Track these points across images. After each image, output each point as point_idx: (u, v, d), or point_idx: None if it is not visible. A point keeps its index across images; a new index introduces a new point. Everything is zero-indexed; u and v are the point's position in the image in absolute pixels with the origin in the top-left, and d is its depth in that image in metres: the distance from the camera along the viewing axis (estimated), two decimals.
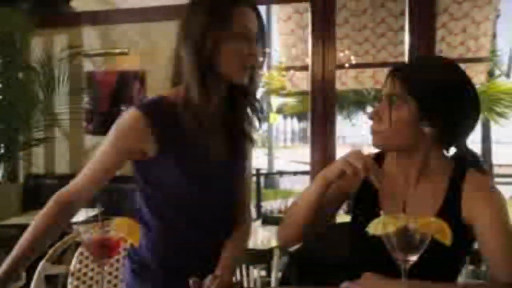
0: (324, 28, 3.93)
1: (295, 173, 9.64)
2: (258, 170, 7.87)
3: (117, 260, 1.47)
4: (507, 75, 4.71)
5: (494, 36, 5.75)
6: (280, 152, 16.78)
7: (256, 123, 1.37)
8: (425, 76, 1.15)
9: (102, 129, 4.14)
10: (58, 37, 4.23)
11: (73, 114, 4.06)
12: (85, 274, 1.48)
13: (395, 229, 0.78)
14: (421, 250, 0.82)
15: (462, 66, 5.49)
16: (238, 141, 1.34)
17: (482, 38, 5.29)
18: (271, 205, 8.40)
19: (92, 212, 3.70)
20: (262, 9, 4.10)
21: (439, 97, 1.12)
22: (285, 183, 9.48)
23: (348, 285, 1.00)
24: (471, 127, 1.20)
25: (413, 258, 0.82)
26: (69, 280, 1.47)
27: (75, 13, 4.22)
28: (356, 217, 1.24)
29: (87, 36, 4.17)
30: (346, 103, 7.98)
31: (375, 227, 0.80)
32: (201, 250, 1.27)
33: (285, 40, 5.65)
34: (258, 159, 6.84)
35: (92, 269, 1.48)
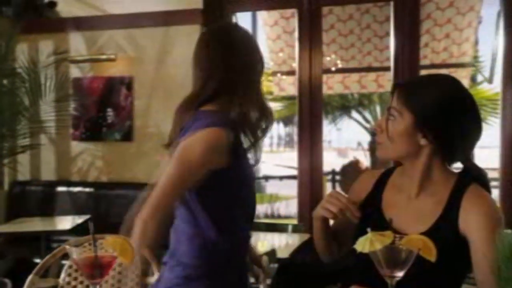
0: (311, 33, 3.97)
1: (281, 178, 9.66)
2: None
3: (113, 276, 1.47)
4: (490, 81, 4.80)
5: (476, 42, 5.84)
6: (266, 156, 16.82)
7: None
8: (422, 90, 1.18)
9: (89, 135, 4.13)
10: (43, 43, 4.21)
11: (59, 120, 4.03)
12: (74, 287, 1.48)
13: (381, 246, 0.80)
14: (407, 266, 0.84)
15: (445, 71, 5.62)
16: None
17: (464, 44, 5.38)
18: (258, 209, 8.39)
19: (79, 220, 3.65)
20: (247, 15, 4.11)
21: (435, 112, 1.15)
22: (271, 187, 9.50)
23: None
24: (472, 143, 1.20)
25: (400, 274, 0.84)
26: None
27: (60, 19, 4.20)
28: (361, 228, 1.28)
29: (73, 41, 4.15)
30: (331, 107, 8.03)
31: (362, 245, 0.82)
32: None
33: (272, 45, 5.68)
34: None
35: (81, 282, 1.48)
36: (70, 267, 1.51)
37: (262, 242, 3.08)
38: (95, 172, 4.15)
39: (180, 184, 1.31)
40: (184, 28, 3.91)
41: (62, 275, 1.50)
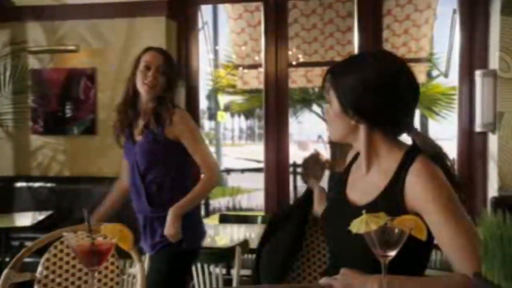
0: (276, 27, 4.01)
1: (243, 171, 9.69)
2: None
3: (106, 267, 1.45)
4: (445, 75, 5.00)
5: (432, 38, 6.05)
6: (227, 150, 16.88)
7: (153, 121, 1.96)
8: (343, 75, 1.19)
9: (50, 129, 4.00)
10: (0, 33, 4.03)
11: (17, 113, 3.89)
12: (52, 280, 1.44)
13: (376, 227, 0.84)
14: (399, 246, 0.89)
15: None
16: None
17: (422, 40, 5.57)
18: (219, 202, 8.41)
19: (40, 216, 3.54)
20: (208, 8, 4.09)
21: (355, 94, 1.16)
22: (233, 180, 9.53)
23: (326, 281, 1.05)
24: (407, 112, 1.20)
25: (392, 253, 0.88)
26: (35, 287, 1.43)
27: (17, 7, 4.03)
28: (328, 206, 1.36)
29: (31, 32, 4.00)
30: (292, 101, 8.12)
31: (358, 226, 0.85)
32: None
33: (236, 38, 5.67)
34: None
35: (60, 275, 1.45)
36: (47, 260, 1.47)
37: (232, 233, 3.11)
38: (56, 167, 4.03)
39: None
40: (149, 20, 3.85)
41: (40, 268, 1.46)
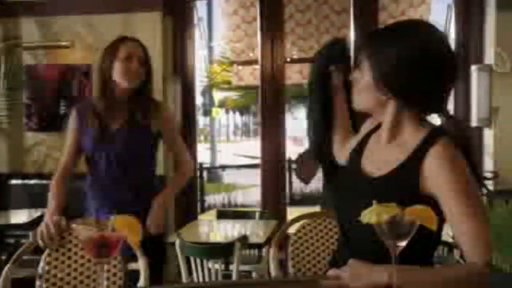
0: (273, 22, 4.00)
1: (238, 167, 9.68)
2: (201, 164, 7.82)
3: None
4: None
5: None
6: (222, 146, 16.88)
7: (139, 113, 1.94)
8: (382, 45, 1.13)
9: (45, 125, 3.96)
10: None
11: (11, 110, 3.85)
12: (54, 275, 1.43)
13: (387, 217, 0.84)
14: (410, 236, 0.89)
15: None
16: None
17: None
18: (214, 198, 8.41)
19: (36, 213, 3.52)
20: (203, 4, 4.09)
21: (392, 69, 1.10)
22: (228, 177, 9.52)
23: (334, 273, 1.04)
24: (441, 94, 1.14)
25: (403, 243, 0.89)
26: (37, 283, 1.42)
27: (10, 3, 3.98)
28: (341, 176, 1.34)
29: (25, 27, 3.95)
30: (287, 96, 8.14)
31: (368, 217, 0.85)
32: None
33: (231, 34, 5.66)
34: (200, 153, 6.81)
35: (62, 270, 1.44)
36: (49, 255, 1.46)
37: (231, 229, 3.10)
38: (51, 164, 3.99)
39: None
40: (145, 15, 3.82)
41: (41, 263, 1.45)
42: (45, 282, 1.42)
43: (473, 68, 3.53)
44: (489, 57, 3.48)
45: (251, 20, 5.42)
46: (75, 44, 3.85)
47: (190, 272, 2.51)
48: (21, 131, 3.98)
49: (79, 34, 3.88)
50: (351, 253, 1.12)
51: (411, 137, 1.16)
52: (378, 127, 1.27)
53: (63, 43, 3.85)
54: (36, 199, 3.87)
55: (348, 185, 1.25)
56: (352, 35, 3.91)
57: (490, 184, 3.42)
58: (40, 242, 1.50)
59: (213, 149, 11.13)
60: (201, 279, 2.45)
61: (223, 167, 9.79)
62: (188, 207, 3.99)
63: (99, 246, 0.79)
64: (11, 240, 3.54)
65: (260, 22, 4.01)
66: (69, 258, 1.45)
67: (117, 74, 1.88)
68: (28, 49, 3.90)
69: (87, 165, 2.00)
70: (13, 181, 3.97)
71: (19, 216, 3.48)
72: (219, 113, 11.19)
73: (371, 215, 0.84)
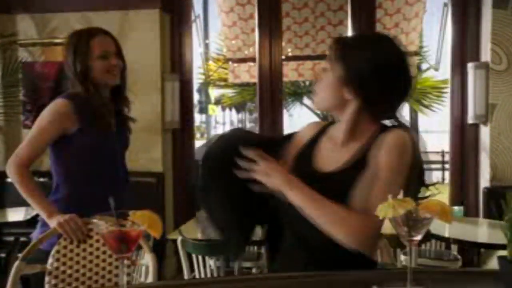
0: (270, 20, 4.01)
1: None
2: (196, 161, 7.81)
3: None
4: (436, 69, 5.07)
5: (421, 31, 6.11)
6: None
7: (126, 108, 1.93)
8: (358, 49, 1.23)
9: None
10: None
11: (8, 107, 3.83)
12: (63, 272, 1.43)
13: (404, 212, 0.85)
14: (425, 230, 0.90)
15: None
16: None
17: (412, 34, 5.62)
18: None
19: (34, 211, 3.52)
20: (199, 1, 4.09)
21: (365, 71, 1.19)
22: None
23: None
24: (399, 99, 1.25)
25: (418, 237, 0.90)
26: (46, 279, 1.42)
27: (7, 0, 3.96)
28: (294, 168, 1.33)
29: (22, 24, 3.93)
30: (283, 94, 8.16)
31: (385, 211, 0.87)
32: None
33: (227, 32, 5.65)
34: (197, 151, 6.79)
35: (71, 267, 1.44)
36: (57, 252, 1.46)
37: None
38: (49, 161, 3.98)
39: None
40: (143, 12, 3.81)
41: (50, 260, 1.45)
42: (54, 279, 1.42)
43: (470, 65, 3.56)
44: (486, 54, 3.51)
45: (248, 17, 5.42)
46: None
47: (192, 269, 2.52)
48: (18, 128, 3.96)
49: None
50: (302, 249, 1.21)
51: (364, 133, 1.25)
52: (323, 131, 1.33)
53: (61, 40, 3.83)
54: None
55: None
56: (349, 33, 3.93)
57: (487, 180, 3.46)
58: (73, 237, 1.49)
59: None
60: (202, 276, 2.46)
61: None
62: (187, 204, 4.00)
63: (119, 241, 0.80)
64: (9, 238, 3.52)
65: (258, 19, 4.02)
66: (78, 254, 1.46)
67: (97, 73, 1.78)
68: (25, 46, 3.88)
69: (65, 164, 1.84)
70: (10, 179, 3.94)
71: (16, 214, 3.46)
72: (215, 110, 11.19)
73: (388, 209, 0.86)
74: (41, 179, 3.92)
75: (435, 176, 7.99)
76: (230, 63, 6.09)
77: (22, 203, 3.70)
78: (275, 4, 4.03)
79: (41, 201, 1.67)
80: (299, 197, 1.16)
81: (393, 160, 1.16)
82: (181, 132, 4.02)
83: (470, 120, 3.59)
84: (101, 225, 0.81)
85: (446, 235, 2.71)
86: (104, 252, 1.46)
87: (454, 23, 3.78)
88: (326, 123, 1.37)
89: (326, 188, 1.17)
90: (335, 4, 5.27)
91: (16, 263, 1.37)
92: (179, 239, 2.46)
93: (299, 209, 1.17)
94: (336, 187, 1.19)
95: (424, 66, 6.83)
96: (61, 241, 1.48)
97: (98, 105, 1.79)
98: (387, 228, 1.05)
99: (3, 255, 3.24)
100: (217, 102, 10.71)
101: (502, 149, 3.43)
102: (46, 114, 1.77)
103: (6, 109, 3.84)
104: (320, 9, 5.38)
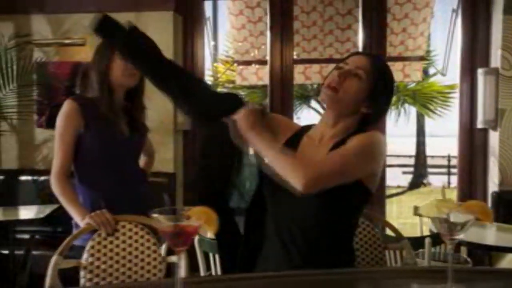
0: (282, 22, 4.05)
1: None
2: None
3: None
4: (443, 74, 5.12)
5: (428, 36, 6.16)
6: None
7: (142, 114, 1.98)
8: (384, 67, 1.39)
9: (55, 122, 3.98)
10: (3, 25, 4.00)
11: (22, 107, 3.87)
12: (97, 267, 1.47)
13: (446, 212, 0.89)
14: (466, 230, 0.94)
15: (401, 64, 5.91)
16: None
17: (419, 38, 5.68)
18: None
19: (47, 209, 3.54)
20: (209, 4, 4.13)
21: (383, 88, 1.34)
22: None
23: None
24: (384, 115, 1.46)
25: (459, 236, 0.94)
26: (81, 273, 1.46)
27: (23, 0, 4.01)
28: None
29: (37, 25, 3.98)
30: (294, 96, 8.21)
31: (428, 210, 0.91)
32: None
33: (236, 34, 5.70)
34: None
35: (105, 262, 1.48)
36: (92, 247, 1.50)
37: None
38: None
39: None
40: (157, 14, 3.86)
41: (85, 255, 1.50)
42: (89, 273, 1.46)
43: (480, 71, 3.61)
44: (496, 60, 3.56)
45: (257, 20, 5.47)
46: (87, 41, 3.89)
47: (208, 268, 2.55)
48: (32, 127, 4.01)
49: (90, 32, 3.90)
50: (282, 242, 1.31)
51: (344, 131, 1.36)
52: (305, 130, 1.43)
53: (76, 41, 3.88)
54: (45, 195, 3.89)
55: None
56: (360, 37, 3.98)
57: (496, 185, 3.50)
58: (103, 229, 1.55)
59: None
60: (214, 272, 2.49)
61: None
62: (198, 204, 4.04)
63: (176, 236, 0.84)
64: (24, 236, 3.55)
65: (270, 21, 4.06)
66: (111, 250, 1.50)
67: (116, 73, 1.82)
68: (40, 46, 3.92)
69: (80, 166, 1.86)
70: (23, 177, 3.99)
71: (29, 212, 3.49)
72: None
73: (431, 209, 0.90)
74: (42, 178, 3.97)
75: (441, 180, 8.03)
76: (236, 65, 6.14)
77: (34, 201, 3.79)
78: (287, 7, 4.07)
79: (77, 207, 1.72)
80: (258, 140, 1.25)
81: (358, 145, 1.26)
82: (191, 133, 4.06)
83: (479, 124, 3.64)
84: (161, 220, 0.85)
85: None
86: (136, 249, 1.50)
87: (464, 28, 3.83)
88: (302, 126, 1.47)
89: None
90: (343, 8, 5.32)
91: (54, 258, 1.41)
92: (196, 238, 2.49)
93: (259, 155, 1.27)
94: None
95: (431, 71, 6.86)
96: (95, 237, 1.52)
97: (105, 109, 1.81)
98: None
99: (21, 252, 3.28)
100: None
101: (511, 154, 3.47)
102: (58, 120, 1.84)
103: (20, 108, 3.88)
104: (328, 13, 5.42)
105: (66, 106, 1.82)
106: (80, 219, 1.62)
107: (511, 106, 3.48)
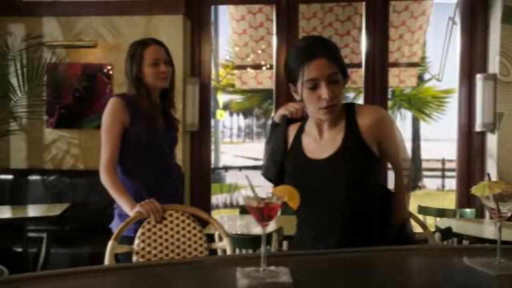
0: (288, 28, 4.18)
1: (241, 168, 9.85)
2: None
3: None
4: (439, 79, 5.30)
5: (424, 43, 6.35)
6: (226, 147, 17.01)
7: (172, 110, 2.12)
8: (332, 44, 1.45)
9: (65, 123, 4.04)
10: (14, 27, 4.05)
11: (32, 107, 3.92)
12: (149, 252, 1.56)
13: (498, 191, 1.01)
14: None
15: (396, 70, 6.08)
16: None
17: (415, 45, 5.86)
18: (217, 198, 8.56)
19: (58, 208, 3.57)
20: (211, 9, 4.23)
21: (340, 57, 1.43)
22: (230, 177, 9.66)
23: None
24: None
25: (508, 214, 1.06)
26: (134, 258, 1.55)
27: (32, 2, 4.07)
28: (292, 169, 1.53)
29: (48, 27, 4.04)
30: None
31: (481, 190, 1.02)
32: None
33: (237, 39, 5.82)
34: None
35: (155, 248, 1.57)
36: (142, 234, 1.59)
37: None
38: (71, 160, 4.08)
39: None
40: (167, 18, 3.96)
41: (136, 241, 1.58)
42: (141, 258, 1.55)
43: (479, 76, 3.77)
44: (494, 66, 3.73)
45: (258, 25, 5.59)
46: (97, 44, 3.96)
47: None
48: (41, 128, 4.06)
49: (100, 34, 3.99)
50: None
51: (339, 116, 1.47)
52: (300, 131, 1.54)
53: (87, 43, 3.95)
54: (54, 195, 3.94)
55: (302, 173, 1.47)
56: (363, 43, 4.13)
57: None
58: (152, 216, 1.65)
59: (216, 151, 11.23)
60: None
61: (226, 168, 9.94)
62: (204, 204, 4.13)
63: (261, 211, 0.94)
64: (32, 234, 3.59)
65: (276, 27, 4.18)
66: (160, 237, 1.59)
67: (148, 78, 1.97)
68: (51, 47, 3.98)
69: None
70: (32, 177, 4.03)
71: (39, 211, 3.54)
72: (223, 115, 11.34)
73: (484, 188, 1.02)
74: (62, 178, 4.02)
75: (435, 183, 8.19)
76: (241, 70, 6.24)
77: (43, 201, 3.83)
78: (293, 12, 4.20)
79: (126, 197, 1.80)
80: None
81: (395, 126, 1.48)
82: (199, 134, 4.15)
83: (478, 128, 3.79)
84: (250, 197, 0.95)
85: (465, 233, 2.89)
86: (183, 235, 1.60)
87: (462, 36, 3.99)
88: (298, 124, 1.57)
89: (331, 169, 1.41)
90: (343, 15, 5.48)
91: (110, 243, 1.49)
92: (216, 233, 2.58)
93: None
94: (339, 166, 1.41)
95: (426, 76, 7.05)
96: (145, 224, 1.61)
97: (146, 105, 1.97)
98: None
99: (34, 249, 3.32)
100: (225, 107, 10.85)
101: (509, 156, 3.63)
102: (105, 116, 1.97)
103: (30, 108, 3.93)
104: (328, 20, 5.57)
105: (112, 103, 1.96)
106: (129, 209, 1.71)
107: (509, 110, 3.64)
